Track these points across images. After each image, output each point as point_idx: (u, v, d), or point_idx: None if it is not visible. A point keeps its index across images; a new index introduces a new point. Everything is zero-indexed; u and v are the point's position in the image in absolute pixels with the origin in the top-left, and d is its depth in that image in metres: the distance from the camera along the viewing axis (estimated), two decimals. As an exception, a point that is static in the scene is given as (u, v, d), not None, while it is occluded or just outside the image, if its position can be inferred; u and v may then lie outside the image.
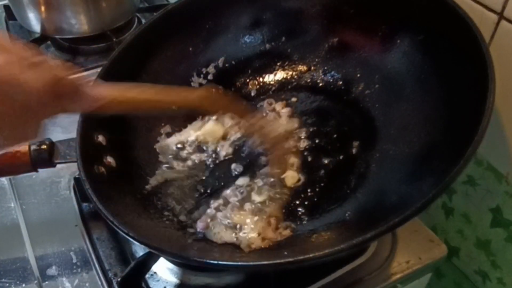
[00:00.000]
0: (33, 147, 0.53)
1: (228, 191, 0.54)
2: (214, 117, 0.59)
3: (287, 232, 0.49)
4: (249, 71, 0.66)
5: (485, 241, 0.61)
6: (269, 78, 0.66)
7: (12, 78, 0.28)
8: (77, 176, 0.61)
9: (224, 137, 0.59)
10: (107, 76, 0.57)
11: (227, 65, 0.65)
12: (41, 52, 0.31)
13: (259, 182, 0.54)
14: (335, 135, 0.58)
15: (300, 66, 0.65)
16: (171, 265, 0.54)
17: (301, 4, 0.63)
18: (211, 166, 0.58)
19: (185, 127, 0.62)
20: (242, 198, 0.53)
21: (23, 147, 0.52)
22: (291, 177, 0.54)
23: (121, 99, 0.37)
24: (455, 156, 0.39)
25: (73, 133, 0.52)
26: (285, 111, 0.61)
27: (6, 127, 0.29)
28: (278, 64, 0.66)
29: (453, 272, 0.68)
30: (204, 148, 0.59)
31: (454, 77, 0.48)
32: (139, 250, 0.55)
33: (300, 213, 0.52)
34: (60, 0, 0.78)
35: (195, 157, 0.59)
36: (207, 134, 0.59)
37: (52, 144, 0.54)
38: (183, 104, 0.45)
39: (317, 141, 0.58)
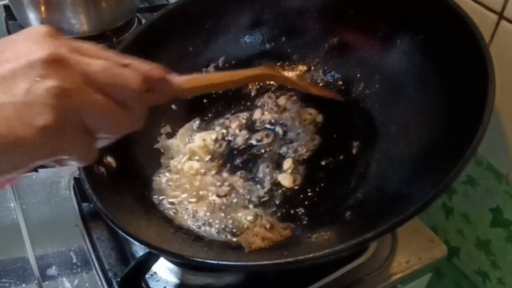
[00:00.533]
0: (33, 147, 0.53)
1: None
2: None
3: (287, 232, 0.49)
4: (249, 71, 0.66)
5: (485, 241, 0.61)
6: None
7: (116, 78, 0.32)
8: (77, 176, 0.61)
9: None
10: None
11: (227, 65, 0.65)
12: (126, 56, 0.35)
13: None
14: (335, 135, 0.58)
15: (300, 66, 0.65)
16: (171, 265, 0.54)
17: (301, 4, 0.63)
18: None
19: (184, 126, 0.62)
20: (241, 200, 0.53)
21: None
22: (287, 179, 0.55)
23: (198, 84, 0.43)
24: (455, 156, 0.39)
25: (73, 133, 0.52)
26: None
27: (115, 121, 0.33)
28: (278, 64, 0.66)
29: (453, 272, 0.68)
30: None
31: (454, 77, 0.48)
32: (139, 250, 0.55)
33: (300, 213, 0.52)
34: (60, 0, 0.78)
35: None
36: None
37: (52, 144, 0.54)
38: (249, 78, 0.52)
39: (317, 141, 0.58)
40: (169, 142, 0.60)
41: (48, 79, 0.29)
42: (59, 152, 0.31)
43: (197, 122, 0.63)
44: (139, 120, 0.36)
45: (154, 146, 0.60)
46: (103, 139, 0.35)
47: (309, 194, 0.53)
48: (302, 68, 0.65)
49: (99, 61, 0.32)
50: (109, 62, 0.33)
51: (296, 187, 0.54)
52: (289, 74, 0.65)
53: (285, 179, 0.55)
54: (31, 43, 0.30)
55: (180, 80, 0.40)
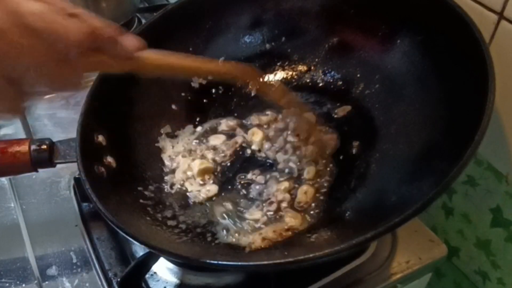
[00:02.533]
0: (33, 147, 0.53)
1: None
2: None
3: (287, 233, 0.49)
4: (249, 71, 0.66)
5: (485, 241, 0.61)
6: (269, 78, 0.66)
7: (53, 25, 0.28)
8: (77, 176, 0.61)
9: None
10: (107, 76, 0.57)
11: (227, 65, 0.65)
12: (77, 6, 0.31)
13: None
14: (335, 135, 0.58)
15: (300, 66, 0.65)
16: (171, 265, 0.54)
17: (301, 4, 0.63)
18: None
19: (185, 127, 0.62)
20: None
21: (23, 147, 0.52)
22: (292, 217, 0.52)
23: (158, 61, 0.37)
24: (455, 156, 0.39)
25: (73, 133, 0.52)
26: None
27: (47, 75, 0.29)
28: (278, 64, 0.66)
29: (453, 272, 0.68)
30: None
31: (454, 77, 0.48)
32: (139, 250, 0.55)
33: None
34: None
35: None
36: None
37: (52, 144, 0.54)
38: (218, 71, 0.47)
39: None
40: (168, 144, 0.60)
41: None
42: None
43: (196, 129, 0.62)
44: (76, 80, 0.32)
45: (154, 146, 0.60)
46: (32, 94, 0.30)
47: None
48: (302, 68, 0.65)
49: (38, 3, 0.28)
50: (50, 6, 0.29)
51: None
52: (289, 74, 0.65)
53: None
54: None
55: (138, 49, 0.36)
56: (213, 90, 0.65)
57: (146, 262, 0.51)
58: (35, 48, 0.28)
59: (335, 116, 0.59)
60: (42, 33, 0.28)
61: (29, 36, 0.27)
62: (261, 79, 0.52)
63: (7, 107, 0.29)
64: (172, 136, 0.61)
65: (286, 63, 0.65)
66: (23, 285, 0.53)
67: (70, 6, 0.30)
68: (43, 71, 0.29)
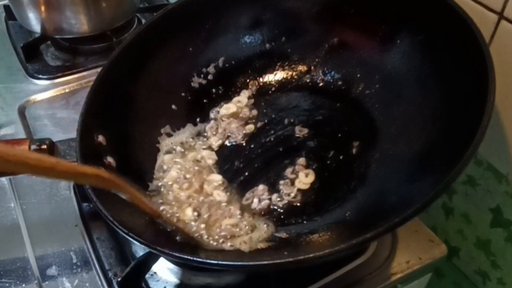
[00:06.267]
0: (33, 147, 0.53)
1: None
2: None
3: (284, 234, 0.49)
4: (249, 71, 0.66)
5: (485, 241, 0.61)
6: (269, 78, 0.66)
7: None
8: (77, 176, 0.61)
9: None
10: (108, 76, 0.57)
11: (227, 65, 0.65)
12: None
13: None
14: (335, 135, 0.58)
15: (300, 66, 0.65)
16: (171, 265, 0.54)
17: (301, 4, 0.63)
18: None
19: (185, 127, 0.62)
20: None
21: (23, 147, 0.52)
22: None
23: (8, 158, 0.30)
24: (455, 156, 0.39)
25: (73, 133, 0.52)
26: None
27: None
28: (278, 64, 0.66)
29: (453, 272, 0.68)
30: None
31: (454, 77, 0.48)
32: (139, 250, 0.55)
33: (300, 213, 0.52)
34: (60, 0, 0.78)
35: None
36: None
37: (52, 144, 0.54)
38: (74, 174, 0.38)
39: (317, 141, 0.58)
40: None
41: None
42: None
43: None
44: None
45: (154, 146, 0.60)
46: None
47: (309, 194, 0.53)
48: (302, 68, 0.65)
49: None
50: None
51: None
52: (289, 74, 0.65)
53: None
54: None
55: None
56: (213, 90, 0.65)
57: (146, 262, 0.51)
58: None
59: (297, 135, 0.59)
60: None
61: None
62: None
63: None
64: (171, 136, 0.61)
65: (286, 63, 0.65)
66: (23, 285, 0.53)
67: None
68: None
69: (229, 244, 0.48)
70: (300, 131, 0.59)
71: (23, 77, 0.80)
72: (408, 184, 0.46)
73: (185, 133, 0.61)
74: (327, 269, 0.53)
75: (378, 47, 0.58)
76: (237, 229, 0.50)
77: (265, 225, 0.50)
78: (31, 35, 0.88)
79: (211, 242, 0.49)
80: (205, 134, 0.61)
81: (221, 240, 0.49)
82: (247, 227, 0.50)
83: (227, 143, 0.60)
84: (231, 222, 0.51)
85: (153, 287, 0.52)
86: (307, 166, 0.55)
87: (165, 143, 0.60)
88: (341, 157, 0.55)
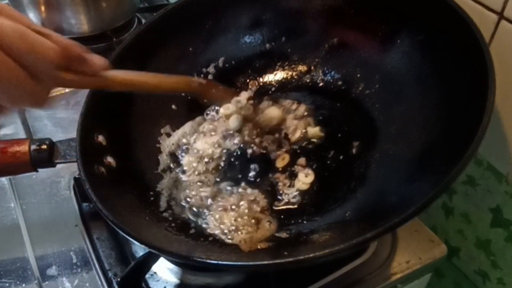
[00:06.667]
0: (33, 147, 0.53)
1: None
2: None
3: (284, 234, 0.49)
4: (249, 71, 0.66)
5: (485, 241, 0.61)
6: (269, 78, 0.66)
7: (24, 39, 0.29)
8: (77, 176, 0.61)
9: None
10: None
11: (227, 65, 0.65)
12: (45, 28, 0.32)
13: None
14: (335, 135, 0.58)
15: (300, 66, 0.65)
16: (171, 265, 0.54)
17: (301, 4, 0.63)
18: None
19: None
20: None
21: (23, 147, 0.52)
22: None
23: (122, 79, 0.40)
24: (455, 156, 0.39)
25: (73, 133, 0.52)
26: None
27: (16, 91, 0.30)
28: (278, 64, 0.66)
29: (453, 272, 0.68)
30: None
31: (454, 77, 0.48)
32: (139, 250, 0.55)
33: (300, 213, 0.52)
34: (60, 0, 0.78)
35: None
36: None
37: (52, 144, 0.54)
38: (182, 89, 0.50)
39: (317, 141, 0.58)
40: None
41: None
42: None
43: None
44: (44, 97, 0.32)
45: (154, 146, 0.60)
46: (1, 109, 0.31)
47: (309, 194, 0.53)
48: (302, 68, 0.65)
49: (9, 21, 0.29)
50: (22, 24, 0.29)
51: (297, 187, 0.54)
52: (289, 74, 0.65)
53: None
54: None
55: (102, 67, 0.38)
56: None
57: (146, 262, 0.51)
58: (13, 65, 0.28)
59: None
60: (24, 53, 0.29)
61: (8, 54, 0.28)
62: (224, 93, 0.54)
63: None
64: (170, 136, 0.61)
65: (286, 63, 0.65)
66: (23, 285, 0.53)
67: (39, 26, 0.31)
68: (18, 86, 0.29)
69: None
70: (300, 131, 0.59)
71: (23, 77, 0.80)
72: (408, 184, 0.46)
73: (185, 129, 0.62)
74: (327, 269, 0.53)
75: (378, 47, 0.58)
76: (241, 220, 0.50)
77: (267, 223, 0.50)
78: (31, 35, 0.87)
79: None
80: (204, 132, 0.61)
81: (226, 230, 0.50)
82: (252, 221, 0.51)
83: (226, 143, 0.60)
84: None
85: (153, 287, 0.52)
86: (307, 166, 0.55)
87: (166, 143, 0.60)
88: (341, 157, 0.55)
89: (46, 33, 0.31)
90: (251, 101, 0.63)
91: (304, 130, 0.58)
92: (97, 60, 0.37)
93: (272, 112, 0.59)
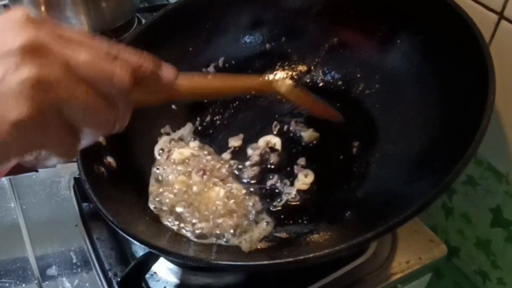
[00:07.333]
0: (33, 147, 0.53)
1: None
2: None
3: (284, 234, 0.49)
4: (249, 71, 0.66)
5: (485, 241, 0.61)
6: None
7: (102, 73, 0.29)
8: (77, 176, 0.61)
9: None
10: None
11: (227, 65, 0.65)
12: (114, 43, 0.32)
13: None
14: (335, 135, 0.58)
15: (300, 66, 0.65)
16: (171, 265, 0.54)
17: (301, 4, 0.63)
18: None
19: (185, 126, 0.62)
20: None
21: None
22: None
23: (191, 87, 0.39)
24: (455, 156, 0.39)
25: (73, 133, 0.52)
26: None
27: (97, 118, 0.30)
28: (278, 64, 0.66)
29: (453, 272, 0.68)
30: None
31: (454, 77, 0.48)
32: (139, 250, 0.55)
33: (300, 213, 0.52)
34: (60, 0, 0.78)
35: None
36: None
37: (52, 144, 0.54)
38: (249, 89, 0.47)
39: (317, 141, 0.58)
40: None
41: (24, 68, 0.26)
42: (35, 149, 0.28)
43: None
44: (123, 119, 0.33)
45: (154, 146, 0.60)
46: (85, 137, 0.31)
47: (309, 194, 0.53)
48: (302, 68, 0.65)
49: (85, 51, 0.29)
50: (96, 52, 0.30)
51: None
52: (289, 74, 0.65)
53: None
54: (7, 30, 0.27)
55: (175, 79, 0.37)
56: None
57: (146, 262, 0.51)
58: (88, 93, 0.29)
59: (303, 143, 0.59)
60: (95, 80, 0.29)
61: (82, 83, 0.28)
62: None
63: (61, 152, 0.30)
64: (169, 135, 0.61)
65: (286, 63, 0.65)
66: (23, 285, 0.53)
67: (111, 46, 0.31)
68: (96, 114, 0.30)
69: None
70: (300, 131, 0.59)
71: (23, 77, 0.80)
72: (408, 184, 0.46)
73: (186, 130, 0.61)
74: (327, 269, 0.53)
75: (378, 47, 0.58)
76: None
77: (265, 223, 0.50)
78: (31, 35, 0.87)
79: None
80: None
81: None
82: (251, 221, 0.51)
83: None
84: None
85: (153, 287, 0.52)
86: (307, 166, 0.55)
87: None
88: (341, 157, 0.55)
89: (116, 55, 0.31)
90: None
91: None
92: (167, 72, 0.36)
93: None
